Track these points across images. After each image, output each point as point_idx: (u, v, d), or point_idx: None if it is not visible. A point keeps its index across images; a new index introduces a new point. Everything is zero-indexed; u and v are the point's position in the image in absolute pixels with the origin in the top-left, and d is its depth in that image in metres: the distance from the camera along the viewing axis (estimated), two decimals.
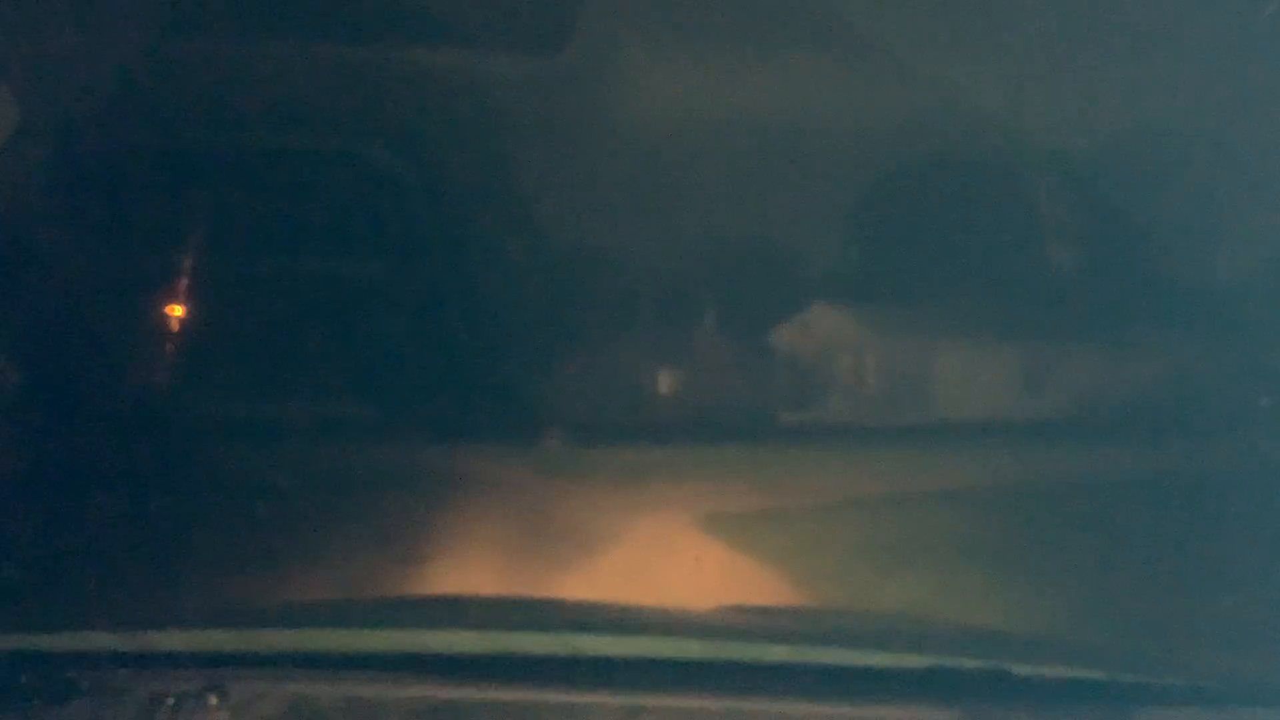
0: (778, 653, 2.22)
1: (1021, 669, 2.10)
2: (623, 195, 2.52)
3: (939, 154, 2.50)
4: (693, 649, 2.22)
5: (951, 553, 2.44)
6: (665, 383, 2.60)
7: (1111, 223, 2.48)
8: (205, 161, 2.51)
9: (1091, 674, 2.12)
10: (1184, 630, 2.23)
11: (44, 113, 2.48)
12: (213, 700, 2.11)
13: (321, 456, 2.50)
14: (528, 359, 2.55)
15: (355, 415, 2.53)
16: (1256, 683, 2.10)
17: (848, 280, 2.58)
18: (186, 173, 2.51)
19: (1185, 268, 2.43)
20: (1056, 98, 2.44)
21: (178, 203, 2.51)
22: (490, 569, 2.46)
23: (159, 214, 2.51)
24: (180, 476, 2.49)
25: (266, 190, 2.52)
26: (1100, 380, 2.51)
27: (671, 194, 2.51)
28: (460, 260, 2.57)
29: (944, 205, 2.49)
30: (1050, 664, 2.13)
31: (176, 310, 2.53)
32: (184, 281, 2.52)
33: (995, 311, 2.51)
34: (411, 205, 2.54)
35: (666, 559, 2.46)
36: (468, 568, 2.45)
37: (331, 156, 2.53)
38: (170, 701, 2.12)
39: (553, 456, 2.56)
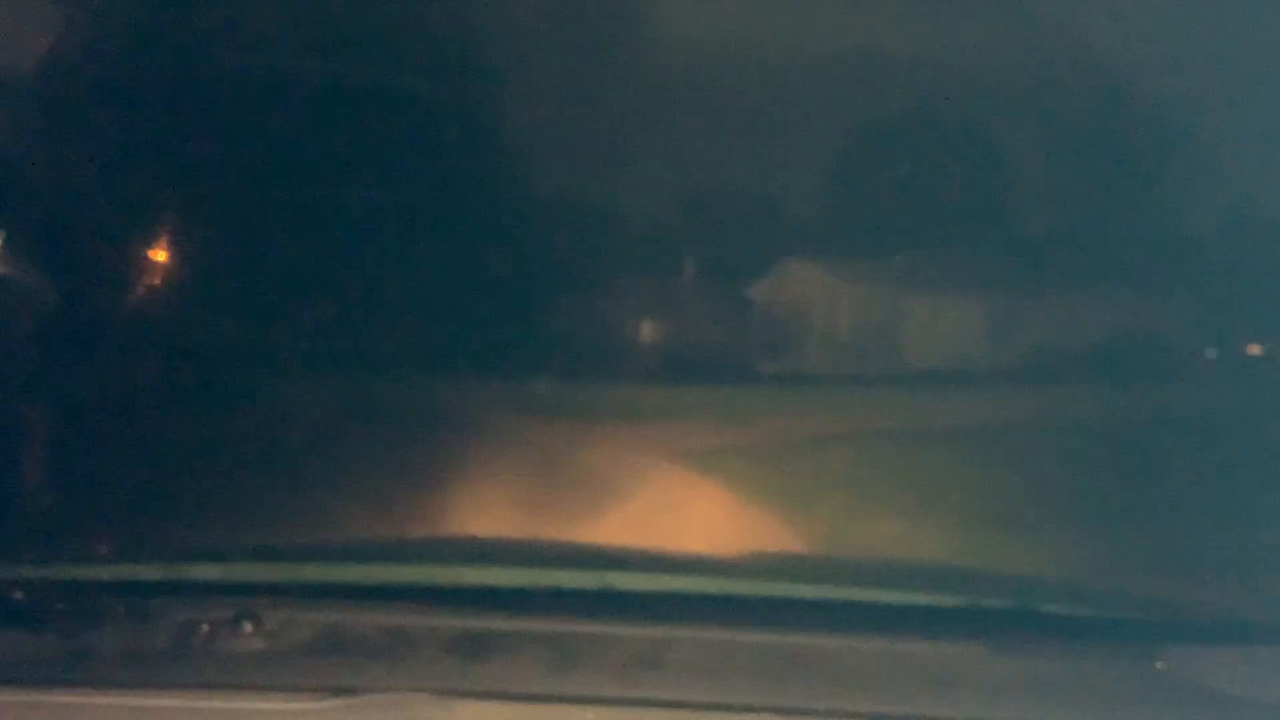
0: (807, 590, 2.23)
1: (1051, 608, 2.12)
2: (609, 144, 2.54)
3: (913, 110, 2.53)
4: (724, 586, 2.23)
5: (966, 496, 2.45)
6: (661, 329, 2.61)
7: (1077, 178, 2.52)
8: (220, 87, 2.51)
9: (1121, 613, 2.13)
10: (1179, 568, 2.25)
11: (72, 33, 2.49)
12: (247, 627, 2.13)
13: (352, 393, 2.51)
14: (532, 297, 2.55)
15: (378, 351, 2.54)
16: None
17: (823, 233, 2.60)
18: (202, 97, 2.50)
19: (1145, 225, 2.47)
20: (1033, 55, 2.47)
21: (194, 129, 2.51)
22: (509, 509, 2.47)
23: (177, 140, 2.51)
24: (216, 411, 2.50)
25: (282, 117, 2.51)
26: (1071, 328, 2.55)
27: (658, 145, 2.53)
28: (452, 200, 2.56)
29: (914, 161, 2.52)
30: (1080, 603, 2.14)
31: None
32: (211, 214, 2.52)
33: (963, 263, 2.55)
34: (405, 138, 2.54)
35: (690, 500, 2.47)
36: (481, 507, 2.46)
37: (336, 83, 2.53)
38: (205, 628, 2.14)
39: (568, 397, 2.56)
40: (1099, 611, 2.14)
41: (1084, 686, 2.01)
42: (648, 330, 2.61)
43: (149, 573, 2.29)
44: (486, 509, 2.43)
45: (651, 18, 2.51)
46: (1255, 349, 2.43)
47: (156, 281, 2.56)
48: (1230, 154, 2.42)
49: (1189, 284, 2.44)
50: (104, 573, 2.30)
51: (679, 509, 2.41)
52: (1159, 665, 2.03)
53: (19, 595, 2.23)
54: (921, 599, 2.18)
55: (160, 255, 2.56)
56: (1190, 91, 2.41)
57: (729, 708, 1.94)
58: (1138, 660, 2.04)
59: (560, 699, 1.96)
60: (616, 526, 2.36)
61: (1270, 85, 2.36)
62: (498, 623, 2.14)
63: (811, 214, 2.61)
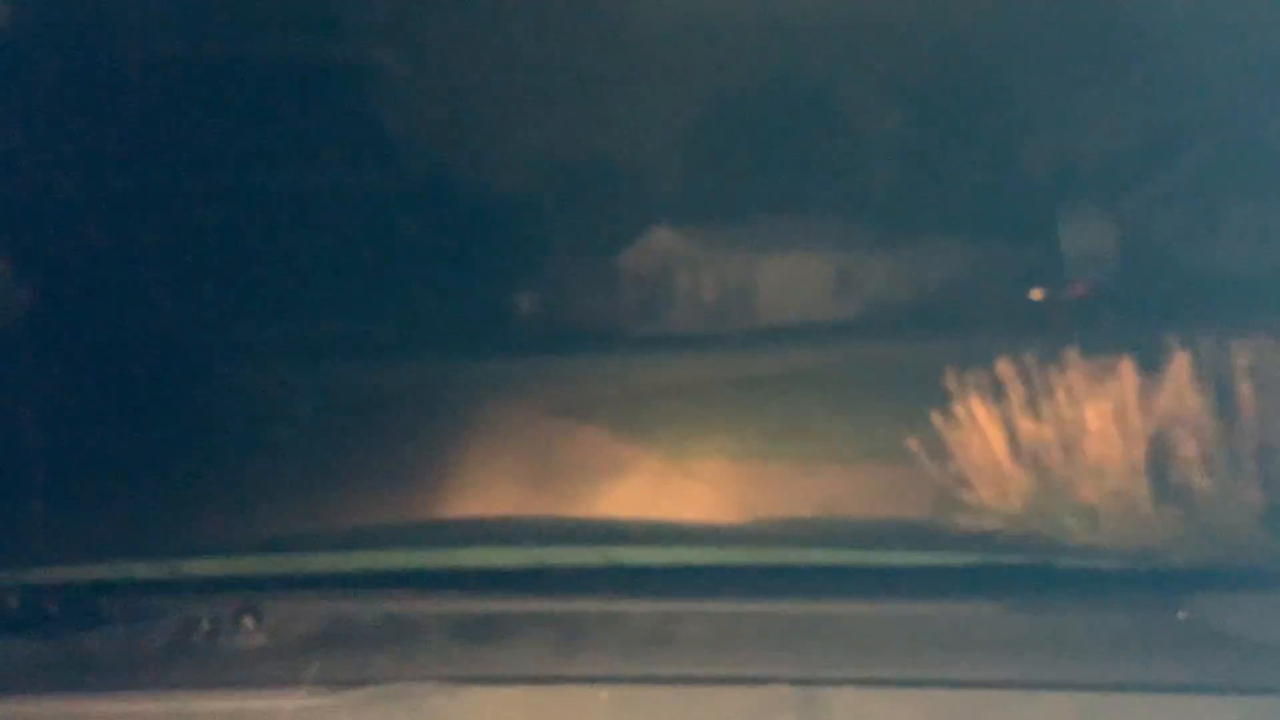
0: (815, 556, 2.19)
1: (1067, 562, 2.08)
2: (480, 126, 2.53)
3: (763, 86, 2.55)
4: (731, 556, 2.19)
5: None
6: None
7: (910, 149, 2.54)
8: (205, 74, 2.46)
9: (1140, 564, 2.09)
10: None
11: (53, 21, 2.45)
12: (248, 622, 2.09)
13: (340, 380, 2.48)
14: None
15: (361, 339, 2.51)
16: None
17: (683, 203, 2.61)
18: (187, 87, 2.46)
19: (975, 190, 2.51)
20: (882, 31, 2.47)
21: (181, 118, 2.46)
22: (506, 488, 2.43)
23: (162, 129, 2.46)
24: (207, 404, 2.47)
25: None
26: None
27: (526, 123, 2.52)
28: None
29: (767, 133, 2.53)
30: (1097, 556, 2.10)
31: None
32: (196, 204, 2.48)
33: (810, 228, 2.56)
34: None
35: (689, 470, 2.43)
36: (477, 488, 2.42)
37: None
38: (205, 625, 2.10)
39: (547, 373, 2.54)
40: (1117, 564, 2.10)
41: (1106, 639, 1.97)
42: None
43: (146, 570, 2.25)
44: (483, 490, 2.39)
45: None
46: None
47: (143, 277, 2.51)
48: (1055, 112, 2.46)
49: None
50: (99, 572, 2.26)
51: (679, 480, 2.37)
52: (1181, 615, 1.99)
53: (14, 600, 2.19)
54: (933, 559, 2.13)
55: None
56: (1019, 54, 2.44)
57: (743, 680, 1.89)
58: (1160, 611, 1.99)
59: (570, 680, 1.92)
60: (617, 501, 2.31)
61: (1094, 41, 2.41)
62: (502, 605, 2.11)
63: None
